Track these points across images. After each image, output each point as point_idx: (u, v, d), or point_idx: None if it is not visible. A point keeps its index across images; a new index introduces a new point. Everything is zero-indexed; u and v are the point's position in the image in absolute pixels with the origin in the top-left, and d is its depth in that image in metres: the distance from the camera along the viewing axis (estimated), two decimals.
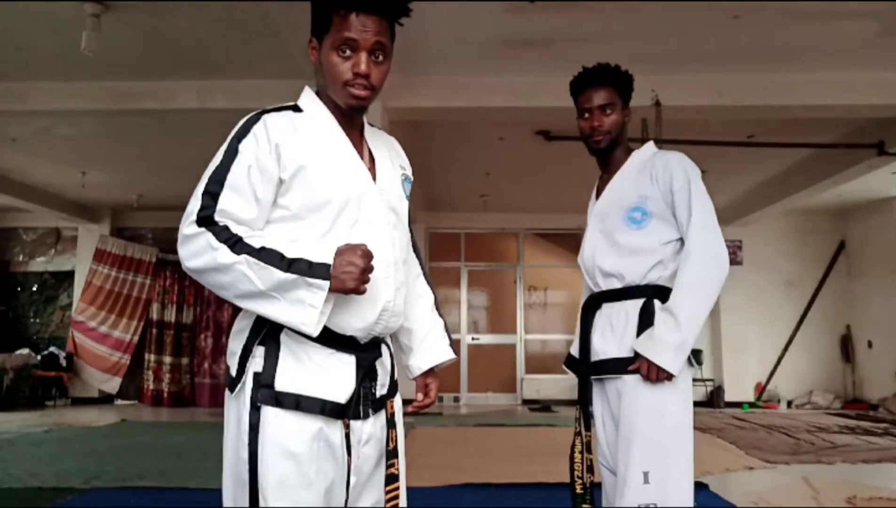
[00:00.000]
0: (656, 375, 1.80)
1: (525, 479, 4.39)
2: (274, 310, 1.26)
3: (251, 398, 1.30)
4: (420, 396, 1.57)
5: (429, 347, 1.57)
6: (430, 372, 1.59)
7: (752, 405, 9.87)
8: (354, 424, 1.35)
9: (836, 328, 10.14)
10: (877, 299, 9.48)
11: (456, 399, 10.44)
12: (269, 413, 1.29)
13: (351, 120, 1.42)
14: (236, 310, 1.38)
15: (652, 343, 1.82)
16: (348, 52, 1.32)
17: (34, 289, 10.80)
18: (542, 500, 3.89)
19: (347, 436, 1.33)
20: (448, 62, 5.12)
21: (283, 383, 1.30)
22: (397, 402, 1.48)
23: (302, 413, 1.29)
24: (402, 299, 1.45)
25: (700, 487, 4.11)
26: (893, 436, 6.61)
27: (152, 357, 9.95)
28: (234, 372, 1.35)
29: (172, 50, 4.88)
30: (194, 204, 1.30)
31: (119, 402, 10.06)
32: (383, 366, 1.43)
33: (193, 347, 10.04)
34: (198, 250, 1.27)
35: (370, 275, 1.28)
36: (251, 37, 4.61)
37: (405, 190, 1.50)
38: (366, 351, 1.37)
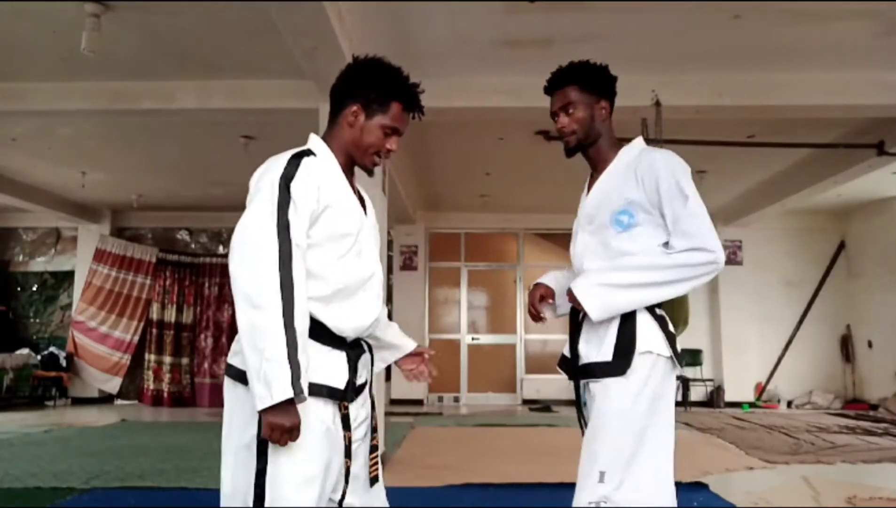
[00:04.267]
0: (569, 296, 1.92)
1: (525, 479, 4.39)
2: (252, 364, 1.48)
3: None
4: (420, 361, 1.98)
5: (405, 338, 1.97)
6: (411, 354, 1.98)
7: (752, 405, 9.87)
8: (349, 407, 1.66)
9: (836, 328, 10.14)
10: (877, 299, 9.48)
11: (456, 400, 10.44)
12: None
13: (351, 168, 1.78)
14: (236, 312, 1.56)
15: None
16: (391, 134, 1.75)
17: (34, 289, 10.80)
18: (542, 500, 3.90)
19: (345, 417, 1.64)
20: (448, 62, 5.11)
21: None
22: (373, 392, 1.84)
23: (311, 397, 1.54)
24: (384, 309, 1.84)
25: (700, 487, 4.11)
26: (893, 436, 6.61)
27: (152, 357, 9.95)
28: (242, 366, 1.57)
29: (172, 50, 4.87)
30: (267, 226, 1.54)
31: (119, 402, 10.06)
32: (364, 361, 1.75)
33: (193, 347, 10.04)
34: (256, 265, 1.51)
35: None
36: (251, 37, 4.61)
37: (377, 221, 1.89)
38: (353, 348, 1.70)
